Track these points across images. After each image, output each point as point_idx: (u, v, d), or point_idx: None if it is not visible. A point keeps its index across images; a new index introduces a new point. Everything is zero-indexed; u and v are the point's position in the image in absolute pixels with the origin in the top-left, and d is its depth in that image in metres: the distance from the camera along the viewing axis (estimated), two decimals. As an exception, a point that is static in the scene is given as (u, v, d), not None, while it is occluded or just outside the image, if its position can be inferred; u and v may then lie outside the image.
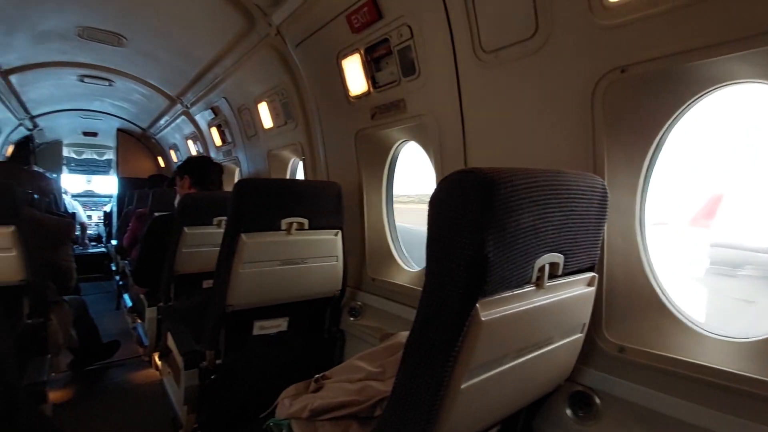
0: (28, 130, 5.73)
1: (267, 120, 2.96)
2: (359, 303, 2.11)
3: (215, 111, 3.76)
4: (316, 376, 1.27)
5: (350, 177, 2.16)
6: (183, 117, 4.50)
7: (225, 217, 2.25)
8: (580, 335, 1.02)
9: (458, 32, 1.44)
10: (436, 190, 0.73)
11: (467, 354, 0.71)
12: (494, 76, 1.39)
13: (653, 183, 1.19)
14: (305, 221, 1.70)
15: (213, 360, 1.68)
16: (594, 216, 0.93)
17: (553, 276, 0.86)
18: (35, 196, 2.50)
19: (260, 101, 2.92)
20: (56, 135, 6.54)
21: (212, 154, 4.37)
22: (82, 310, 2.99)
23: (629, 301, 1.16)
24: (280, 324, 1.83)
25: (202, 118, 4.13)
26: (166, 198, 3.54)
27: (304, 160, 2.64)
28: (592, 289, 0.98)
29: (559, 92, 1.21)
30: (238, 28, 2.42)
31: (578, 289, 0.94)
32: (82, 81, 4.16)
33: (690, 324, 1.10)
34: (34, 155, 6.14)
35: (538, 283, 0.82)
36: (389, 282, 2.04)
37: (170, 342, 1.96)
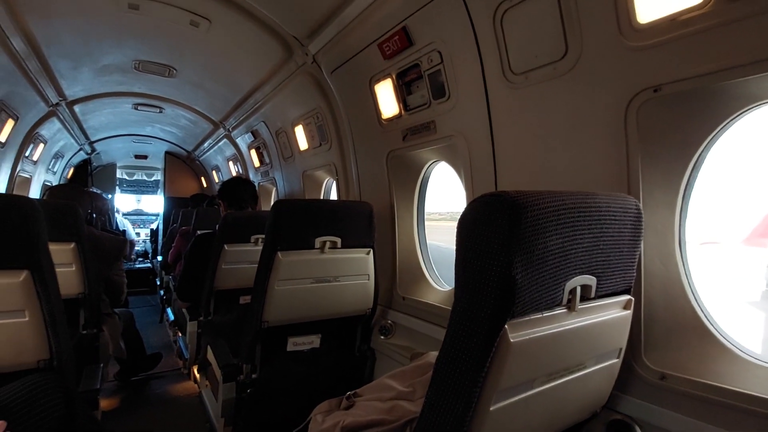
0: (87, 154, 6.25)
1: (303, 142, 3.09)
2: (390, 321, 2.12)
3: (255, 134, 3.97)
4: (348, 393, 1.29)
5: (382, 197, 2.21)
6: (225, 140, 4.76)
7: (262, 235, 2.36)
8: (616, 360, 0.99)
9: (487, 56, 1.47)
10: (464, 212, 0.75)
11: (496, 375, 0.71)
12: (524, 97, 1.40)
13: (699, 201, 1.16)
14: (338, 240, 1.75)
15: (249, 374, 1.74)
16: (628, 237, 0.91)
17: (585, 298, 0.85)
18: (93, 215, 2.71)
19: (297, 124, 3.06)
20: (111, 158, 7.08)
21: (251, 175, 4.58)
22: (129, 322, 3.17)
23: (670, 325, 1.11)
24: (313, 341, 1.87)
25: (243, 140, 4.36)
26: (208, 216, 3.73)
27: (337, 181, 2.73)
28: (629, 312, 0.96)
29: (590, 112, 1.21)
30: (278, 57, 2.57)
31: (613, 312, 0.92)
32: (136, 109, 4.53)
33: (738, 351, 1.04)
34: (92, 177, 6.66)
35: (570, 306, 0.82)
36: (420, 301, 2.05)
37: (209, 355, 2.04)
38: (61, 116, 4.02)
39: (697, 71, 0.95)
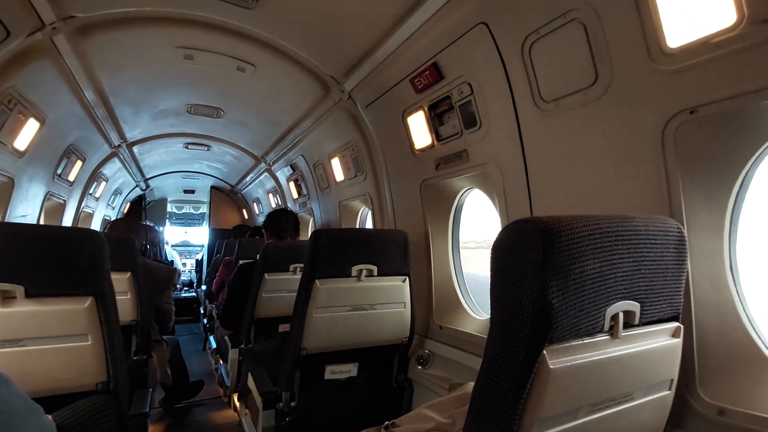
0: (142, 190, 6.75)
1: (339, 173, 3.21)
2: (427, 351, 2.09)
3: (293, 167, 4.16)
4: (386, 423, 1.28)
5: (416, 225, 2.24)
6: (266, 174, 5.01)
7: (301, 264, 2.43)
8: (668, 393, 0.93)
9: (517, 85, 1.51)
10: (497, 238, 0.76)
11: (536, 403, 0.70)
12: (556, 124, 1.42)
13: (748, 225, 1.10)
14: (374, 268, 1.78)
15: (288, 402, 1.76)
16: (671, 261, 0.88)
17: (629, 325, 0.82)
18: (147, 246, 2.91)
19: (333, 157, 3.20)
20: (163, 193, 7.59)
21: (289, 206, 4.76)
22: (176, 349, 3.30)
23: (727, 356, 1.04)
24: (350, 369, 1.88)
25: (282, 174, 4.57)
26: (250, 246, 3.88)
27: (372, 210, 2.79)
28: (678, 341, 0.91)
29: (625, 136, 1.20)
30: (316, 95, 2.73)
31: (660, 340, 0.88)
32: (187, 147, 4.90)
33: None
34: (146, 211, 7.15)
35: (612, 332, 0.79)
36: (457, 330, 2.02)
37: (250, 382, 2.08)
38: (122, 156, 4.41)
39: (734, 92, 0.94)
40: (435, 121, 1.97)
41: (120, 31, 2.12)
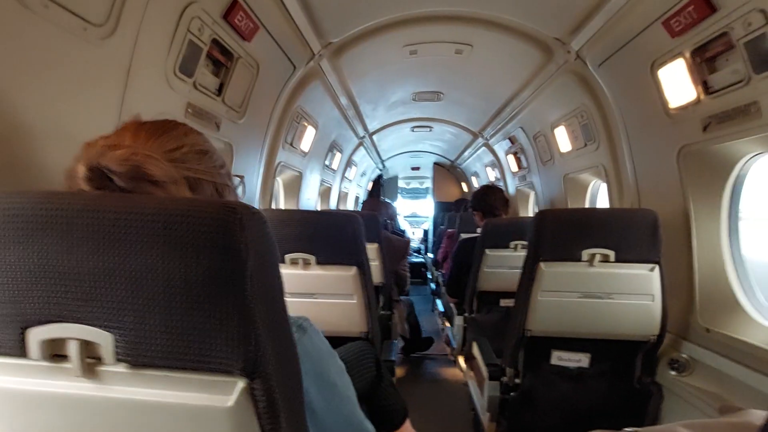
0: (380, 170, 7.98)
1: (564, 144, 2.93)
2: (684, 356, 1.72)
3: (512, 140, 4.04)
4: (627, 429, 1.15)
5: (669, 202, 1.83)
6: (483, 148, 5.05)
7: (521, 242, 2.39)
8: None
9: None
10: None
11: None
12: None
13: None
14: (611, 253, 1.57)
15: (512, 378, 1.81)
16: None
17: None
18: (387, 221, 3.46)
19: (557, 126, 2.93)
20: (395, 172, 8.75)
21: (508, 180, 4.68)
22: (411, 308, 3.85)
23: None
24: (581, 359, 1.76)
25: (500, 147, 4.51)
26: (471, 220, 4.08)
27: (608, 184, 2.44)
28: None
29: None
30: (536, 62, 2.54)
31: None
32: (412, 131, 5.46)
33: None
34: (383, 188, 8.44)
35: None
36: (733, 337, 1.57)
37: (475, 351, 2.24)
38: (365, 145, 5.31)
39: None
40: (702, 69, 1.53)
41: (362, 43, 2.52)
